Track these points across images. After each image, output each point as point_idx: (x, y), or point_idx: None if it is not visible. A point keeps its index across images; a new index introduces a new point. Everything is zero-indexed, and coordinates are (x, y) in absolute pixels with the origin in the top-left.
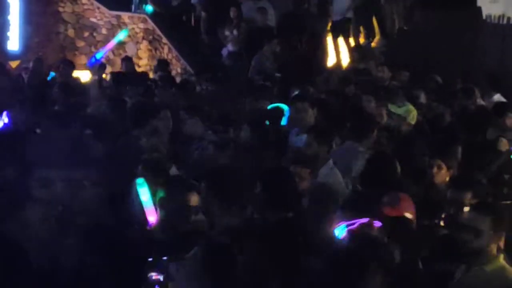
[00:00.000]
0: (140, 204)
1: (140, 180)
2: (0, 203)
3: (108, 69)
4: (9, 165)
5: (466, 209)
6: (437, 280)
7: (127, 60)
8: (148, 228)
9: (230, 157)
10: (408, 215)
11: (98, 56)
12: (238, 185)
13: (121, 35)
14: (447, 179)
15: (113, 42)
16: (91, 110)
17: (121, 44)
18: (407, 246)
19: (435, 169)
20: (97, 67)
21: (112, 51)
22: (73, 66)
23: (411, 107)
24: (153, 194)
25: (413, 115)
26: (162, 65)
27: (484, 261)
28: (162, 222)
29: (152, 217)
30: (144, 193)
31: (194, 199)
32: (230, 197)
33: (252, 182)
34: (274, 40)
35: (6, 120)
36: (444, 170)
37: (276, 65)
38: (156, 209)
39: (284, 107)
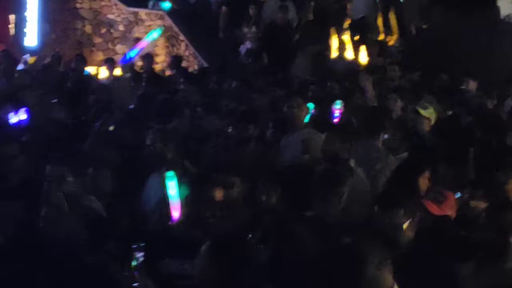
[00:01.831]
0: (164, 198)
1: (170, 173)
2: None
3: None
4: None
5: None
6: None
7: (148, 58)
8: (170, 223)
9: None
10: (450, 214)
11: (132, 54)
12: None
13: (156, 33)
14: None
15: (147, 41)
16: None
17: (137, 41)
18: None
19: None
20: (128, 65)
21: (129, 48)
22: (85, 61)
23: (433, 110)
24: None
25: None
26: (177, 61)
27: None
28: (186, 217)
29: (176, 212)
30: (172, 186)
31: (219, 195)
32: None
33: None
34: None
35: (24, 116)
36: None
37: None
38: (181, 205)
39: (310, 105)
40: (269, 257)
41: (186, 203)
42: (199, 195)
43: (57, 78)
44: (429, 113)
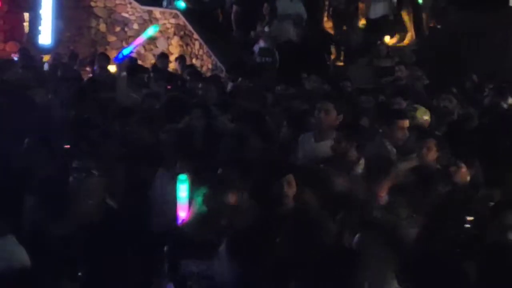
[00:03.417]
0: (173, 198)
1: (183, 177)
2: None
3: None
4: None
5: None
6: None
7: (163, 57)
8: (178, 224)
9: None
10: None
11: (126, 52)
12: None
13: (150, 31)
14: (468, 178)
15: (142, 38)
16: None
17: (152, 40)
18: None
19: (453, 168)
20: (127, 63)
21: (144, 46)
22: (108, 60)
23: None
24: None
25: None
26: (184, 60)
27: None
28: (198, 219)
29: (184, 213)
30: (183, 189)
31: (234, 199)
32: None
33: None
34: None
35: None
36: (464, 169)
37: None
38: (190, 206)
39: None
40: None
41: (197, 205)
42: (212, 198)
43: (76, 76)
44: (421, 113)
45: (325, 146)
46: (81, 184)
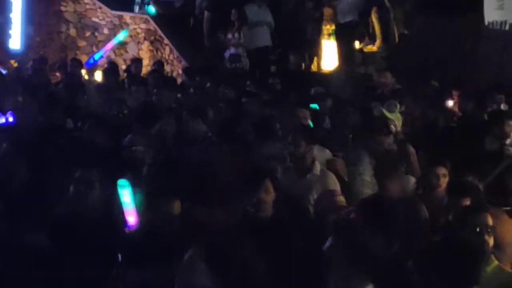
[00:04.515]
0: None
1: (122, 181)
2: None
3: None
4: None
5: None
6: None
7: (137, 62)
8: (126, 229)
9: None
10: None
11: (96, 56)
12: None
13: (121, 36)
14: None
15: (112, 43)
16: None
17: (122, 45)
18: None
19: (441, 179)
20: (96, 68)
21: (114, 51)
22: (81, 65)
23: (399, 114)
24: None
25: (400, 123)
26: (159, 66)
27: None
28: (144, 227)
29: (132, 218)
30: (125, 194)
31: (177, 207)
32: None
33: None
34: None
35: (10, 119)
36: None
37: None
38: (136, 211)
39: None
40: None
41: (144, 213)
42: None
43: (46, 81)
44: (395, 117)
45: None
46: (81, 196)
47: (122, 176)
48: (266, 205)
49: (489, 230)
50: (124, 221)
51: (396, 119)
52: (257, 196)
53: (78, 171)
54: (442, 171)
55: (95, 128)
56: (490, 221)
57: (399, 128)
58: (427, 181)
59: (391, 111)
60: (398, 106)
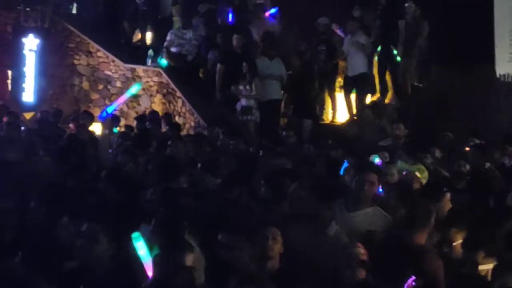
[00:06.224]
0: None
1: (135, 234)
2: None
3: (122, 121)
4: None
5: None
6: None
7: (139, 121)
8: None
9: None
10: None
11: (109, 110)
12: None
13: (134, 89)
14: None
15: (125, 96)
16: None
17: (135, 97)
18: None
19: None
20: (109, 121)
21: (127, 104)
22: (92, 118)
23: (422, 167)
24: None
25: (425, 176)
26: (169, 118)
27: None
28: (156, 281)
29: (151, 271)
30: (141, 247)
31: (190, 259)
32: None
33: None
34: None
35: None
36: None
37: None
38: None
39: None
40: None
41: (156, 265)
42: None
43: (56, 133)
44: (415, 169)
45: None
46: (87, 250)
47: (136, 229)
48: (273, 253)
49: None
50: (143, 275)
51: (416, 171)
52: (264, 243)
53: (84, 225)
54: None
55: (106, 181)
56: None
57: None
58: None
59: (411, 164)
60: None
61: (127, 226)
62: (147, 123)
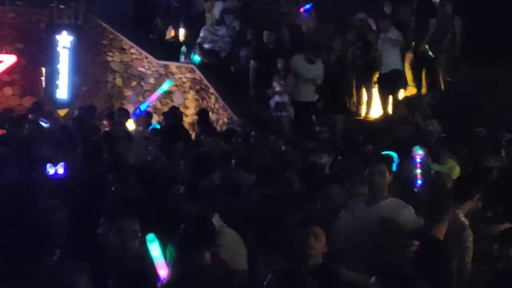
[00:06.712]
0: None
1: (150, 236)
2: None
3: (155, 118)
4: None
5: None
6: None
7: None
8: (159, 284)
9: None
10: None
11: (143, 107)
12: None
13: (165, 85)
14: None
15: (158, 93)
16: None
17: (168, 94)
18: None
19: None
20: (143, 118)
21: (160, 100)
22: (127, 115)
23: (453, 163)
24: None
25: (457, 172)
26: (203, 114)
27: None
28: (174, 281)
29: (163, 271)
30: (155, 248)
31: (208, 257)
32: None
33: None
34: None
35: (61, 171)
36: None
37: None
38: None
39: (394, 154)
40: None
41: (174, 266)
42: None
43: (92, 131)
44: (446, 169)
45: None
46: (125, 244)
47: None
48: (314, 251)
49: None
50: (155, 275)
51: (449, 171)
52: (305, 240)
53: (122, 220)
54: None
55: (137, 177)
56: None
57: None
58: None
59: (442, 163)
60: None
61: (155, 222)
62: (171, 119)
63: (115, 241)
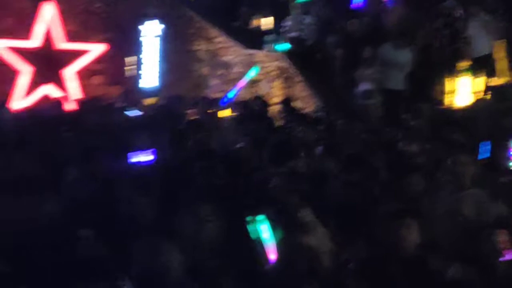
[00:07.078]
0: (260, 241)
1: (261, 217)
2: None
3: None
4: None
5: None
6: None
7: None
8: (268, 266)
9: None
10: None
11: (230, 95)
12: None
13: (252, 73)
14: None
15: (245, 81)
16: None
17: (254, 83)
18: None
19: None
20: (231, 106)
21: (246, 89)
22: (214, 104)
23: None
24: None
25: None
26: (288, 103)
27: None
28: (280, 262)
29: (273, 255)
30: (265, 230)
31: (312, 240)
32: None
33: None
34: None
35: (149, 158)
36: None
37: None
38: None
39: (486, 144)
40: None
41: (279, 247)
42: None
43: (178, 118)
44: None
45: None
46: (201, 230)
47: (253, 213)
48: (406, 243)
49: None
50: (266, 258)
51: None
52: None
53: (197, 206)
54: None
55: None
56: None
57: None
58: None
59: None
60: None
61: (239, 208)
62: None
63: (196, 227)
